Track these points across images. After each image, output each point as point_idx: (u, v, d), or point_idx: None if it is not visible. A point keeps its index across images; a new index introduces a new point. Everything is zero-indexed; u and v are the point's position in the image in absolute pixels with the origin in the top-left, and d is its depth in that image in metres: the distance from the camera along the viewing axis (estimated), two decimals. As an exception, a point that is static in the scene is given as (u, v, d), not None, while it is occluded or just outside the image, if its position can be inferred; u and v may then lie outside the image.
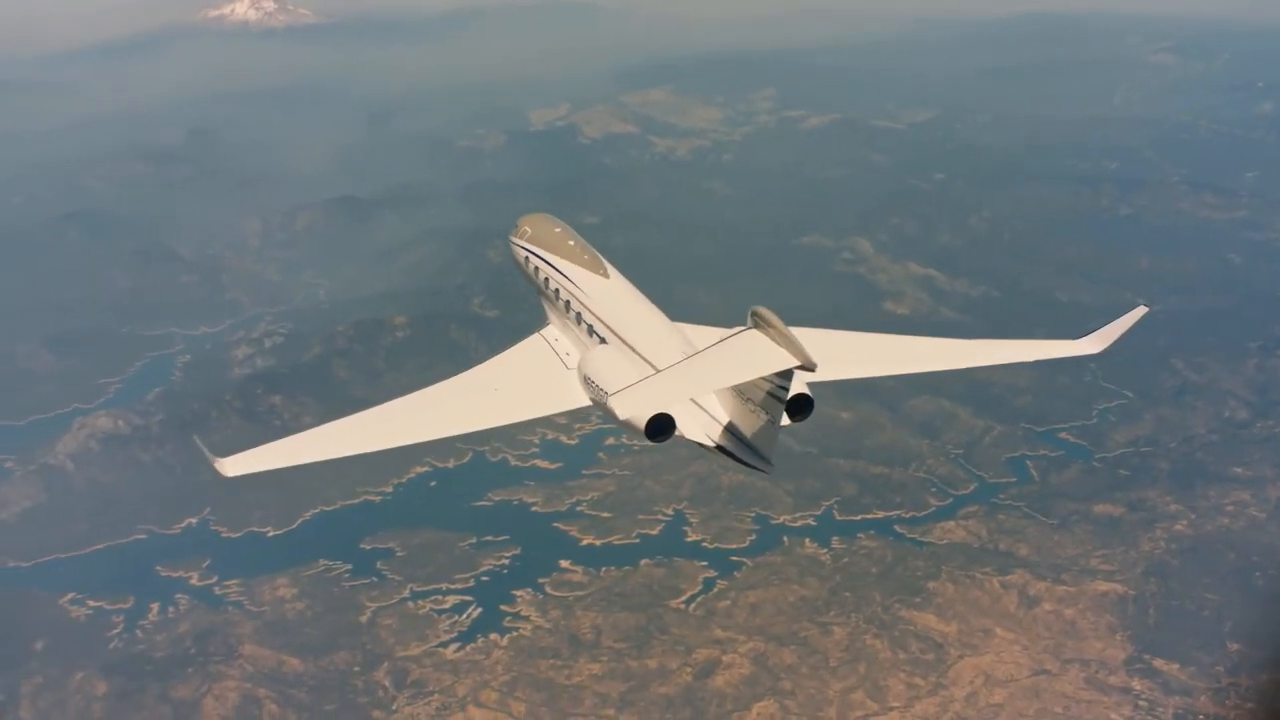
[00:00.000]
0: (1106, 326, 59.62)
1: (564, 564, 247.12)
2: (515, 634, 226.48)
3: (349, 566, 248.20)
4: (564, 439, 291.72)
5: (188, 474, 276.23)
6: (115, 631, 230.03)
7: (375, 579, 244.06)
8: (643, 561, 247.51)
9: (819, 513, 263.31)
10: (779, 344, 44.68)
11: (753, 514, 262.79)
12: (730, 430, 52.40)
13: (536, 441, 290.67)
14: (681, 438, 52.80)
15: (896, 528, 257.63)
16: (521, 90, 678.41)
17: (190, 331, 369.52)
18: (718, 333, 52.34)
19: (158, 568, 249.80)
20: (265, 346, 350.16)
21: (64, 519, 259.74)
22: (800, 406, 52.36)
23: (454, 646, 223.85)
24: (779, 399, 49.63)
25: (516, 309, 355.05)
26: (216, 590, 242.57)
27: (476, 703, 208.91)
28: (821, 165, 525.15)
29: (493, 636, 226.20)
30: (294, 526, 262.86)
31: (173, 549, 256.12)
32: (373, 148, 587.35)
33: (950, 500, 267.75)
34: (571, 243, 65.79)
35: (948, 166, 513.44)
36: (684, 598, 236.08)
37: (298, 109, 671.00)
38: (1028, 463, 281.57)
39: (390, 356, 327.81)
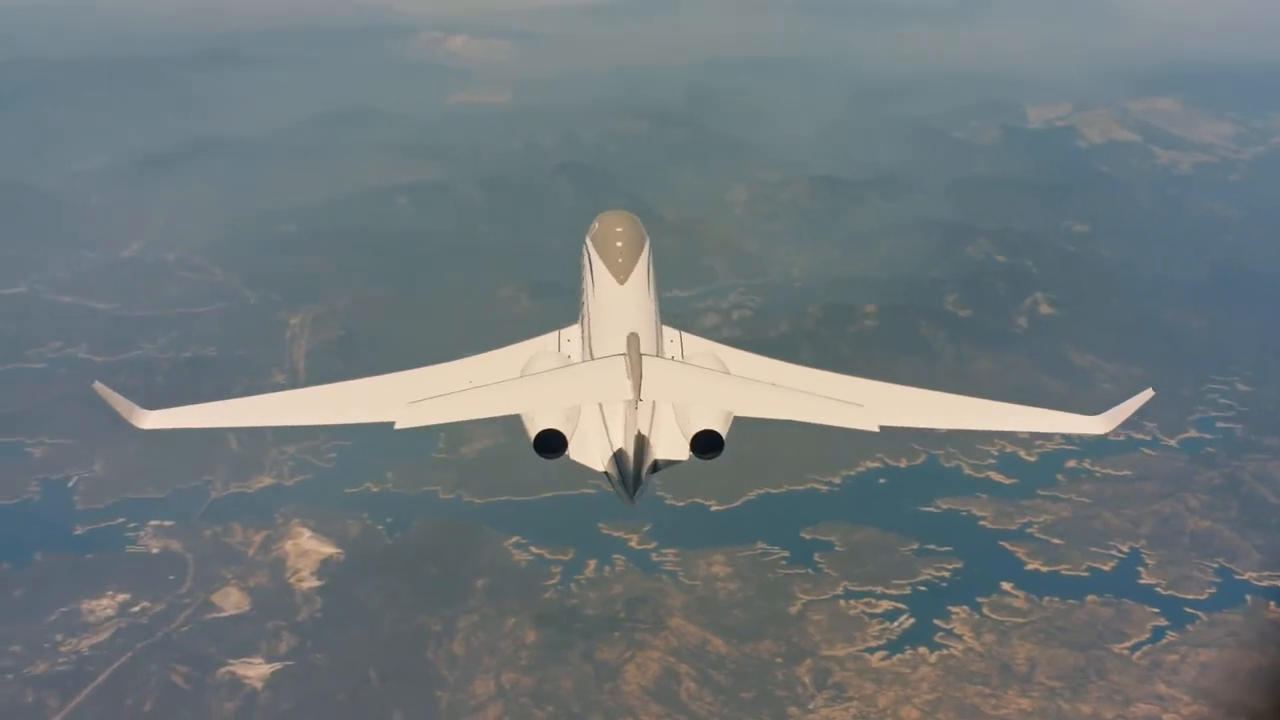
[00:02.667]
0: (1116, 408, 51.10)
1: (1006, 586, 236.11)
2: (945, 652, 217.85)
3: (786, 554, 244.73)
4: (1023, 454, 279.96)
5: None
6: (551, 582, 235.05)
7: (810, 571, 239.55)
8: (1089, 597, 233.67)
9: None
10: (628, 374, 43.11)
11: (1216, 565, 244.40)
12: (617, 458, 48.22)
13: (994, 452, 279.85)
14: (568, 459, 48.62)
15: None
16: (1023, 85, 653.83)
17: (663, 292, 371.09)
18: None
19: (600, 525, 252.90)
20: (733, 318, 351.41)
21: (518, 462, 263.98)
22: (710, 444, 46.49)
23: (880, 654, 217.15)
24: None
25: (991, 311, 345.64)
26: (653, 557, 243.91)
27: (896, 717, 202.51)
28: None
29: (921, 650, 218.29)
30: (736, 504, 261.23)
31: (618, 508, 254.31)
32: (864, 129, 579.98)
33: None
34: (619, 244, 60.08)
35: None
36: (1129, 644, 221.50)
37: (795, 82, 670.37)
38: None
39: (856, 344, 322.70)
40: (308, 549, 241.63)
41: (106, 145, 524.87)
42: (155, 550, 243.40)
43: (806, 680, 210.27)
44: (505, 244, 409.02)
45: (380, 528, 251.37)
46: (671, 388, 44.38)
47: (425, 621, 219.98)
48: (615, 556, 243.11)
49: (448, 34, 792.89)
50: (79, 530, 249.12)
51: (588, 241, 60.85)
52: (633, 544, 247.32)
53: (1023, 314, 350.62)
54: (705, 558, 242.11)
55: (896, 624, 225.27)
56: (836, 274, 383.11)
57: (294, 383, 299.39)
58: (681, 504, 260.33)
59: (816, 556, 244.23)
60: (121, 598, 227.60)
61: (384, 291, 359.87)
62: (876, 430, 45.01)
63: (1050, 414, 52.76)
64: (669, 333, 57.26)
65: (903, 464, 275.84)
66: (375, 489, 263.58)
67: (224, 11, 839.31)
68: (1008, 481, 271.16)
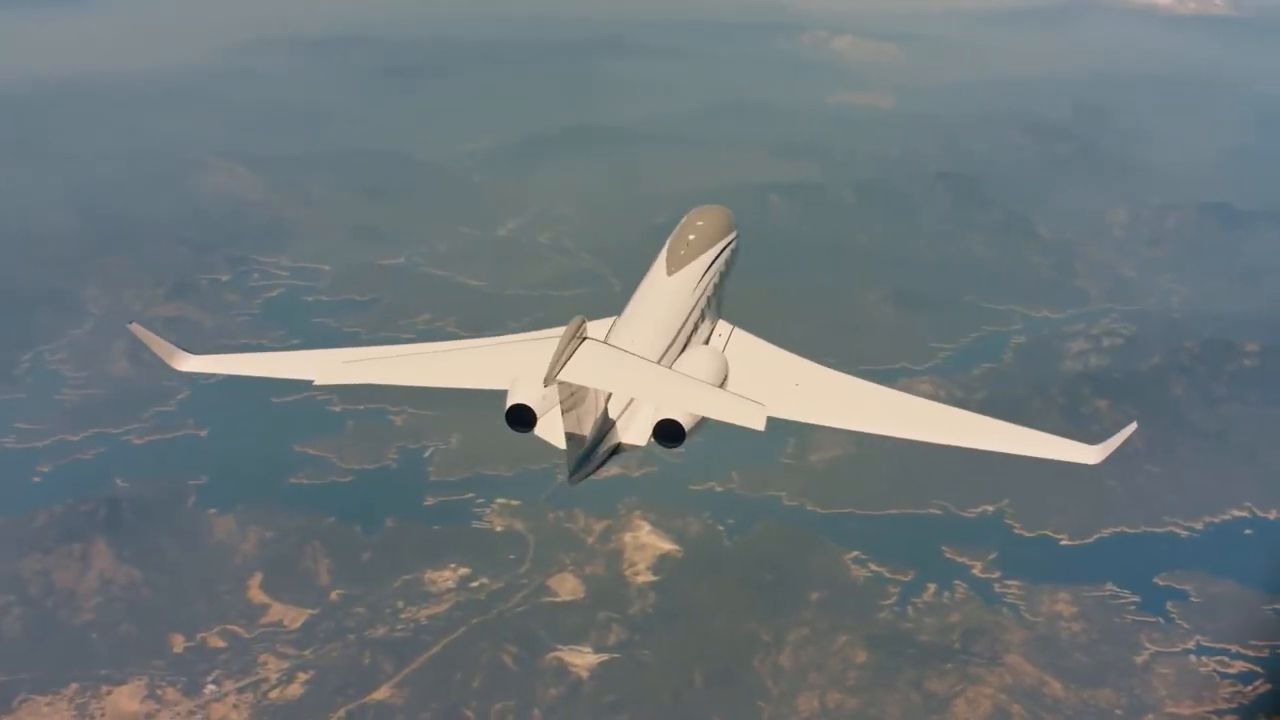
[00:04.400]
0: (1109, 440, 51.38)
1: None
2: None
3: (1136, 598, 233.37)
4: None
5: (996, 458, 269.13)
6: (888, 603, 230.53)
7: (1161, 619, 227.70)
8: None
9: None
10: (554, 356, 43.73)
11: None
12: (571, 438, 49.58)
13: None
14: (534, 435, 50.66)
15: None
16: None
17: (1031, 313, 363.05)
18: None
19: (944, 548, 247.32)
20: (1103, 345, 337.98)
21: (866, 476, 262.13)
22: (670, 434, 48.81)
23: (1230, 719, 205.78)
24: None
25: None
26: (996, 587, 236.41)
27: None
28: None
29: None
30: (1089, 540, 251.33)
31: (963, 533, 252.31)
32: (1261, 155, 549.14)
33: None
34: (690, 237, 62.53)
35: None
36: None
37: (1188, 102, 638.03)
38: None
39: (1234, 384, 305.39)
40: (646, 543, 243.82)
41: (493, 125, 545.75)
42: (499, 528, 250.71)
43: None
44: (875, 249, 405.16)
45: (720, 528, 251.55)
46: (594, 373, 44.43)
47: (755, 629, 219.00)
48: (956, 583, 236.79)
49: (834, 33, 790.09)
50: (429, 501, 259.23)
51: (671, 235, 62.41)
52: (976, 572, 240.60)
53: None
54: (1050, 594, 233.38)
55: (1251, 688, 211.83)
56: (1219, 308, 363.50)
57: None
58: (1030, 535, 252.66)
59: (1169, 605, 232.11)
60: (462, 572, 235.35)
61: (747, 288, 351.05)
62: (761, 429, 44.02)
63: (1042, 437, 52.23)
64: (722, 327, 60.27)
65: (1272, 515, 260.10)
66: (720, 489, 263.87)
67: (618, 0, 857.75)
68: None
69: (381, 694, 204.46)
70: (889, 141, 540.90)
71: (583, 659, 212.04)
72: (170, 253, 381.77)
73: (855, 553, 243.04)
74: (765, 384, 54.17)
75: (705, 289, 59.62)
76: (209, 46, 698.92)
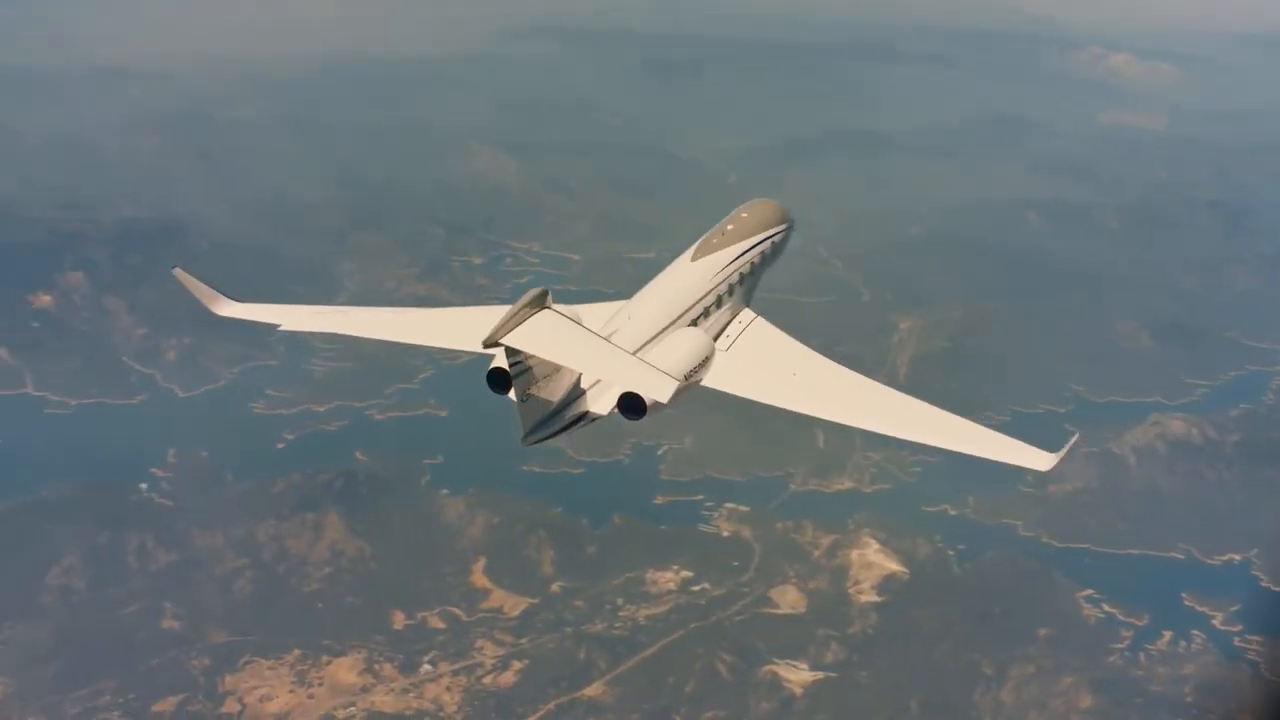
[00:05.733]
0: (1062, 449, 50.63)
1: None
2: None
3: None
4: None
5: (1248, 506, 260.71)
6: (1119, 646, 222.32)
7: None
8: None
9: None
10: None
11: None
12: (526, 399, 51.60)
13: None
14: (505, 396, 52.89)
15: None
16: None
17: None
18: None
19: (1184, 594, 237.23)
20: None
21: (1108, 512, 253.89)
22: (630, 406, 52.27)
23: None
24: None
25: None
26: (1236, 642, 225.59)
27: None
28: None
29: None
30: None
31: (1206, 580, 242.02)
32: None
33: None
34: (729, 227, 64.42)
35: None
36: None
37: None
38: None
39: None
40: (873, 562, 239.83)
41: (754, 125, 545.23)
42: (725, 533, 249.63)
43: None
44: (1135, 276, 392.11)
45: (950, 553, 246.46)
46: (536, 341, 46.07)
47: (977, 660, 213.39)
48: (1194, 632, 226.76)
49: (1110, 51, 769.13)
50: (659, 500, 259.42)
51: None
52: (1216, 623, 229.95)
53: None
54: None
55: None
56: None
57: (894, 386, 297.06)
58: (1279, 589, 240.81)
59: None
60: (685, 574, 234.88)
61: (998, 307, 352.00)
62: (664, 400, 47.91)
63: (999, 439, 51.90)
64: (745, 315, 61.42)
65: None
66: (953, 512, 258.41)
67: (890, 4, 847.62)
68: None
69: (593, 690, 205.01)
70: (1158, 165, 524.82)
71: (798, 675, 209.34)
72: (426, 233, 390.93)
73: (1089, 591, 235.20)
74: (764, 370, 57.31)
75: (728, 277, 61.33)
76: (479, 32, 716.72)
